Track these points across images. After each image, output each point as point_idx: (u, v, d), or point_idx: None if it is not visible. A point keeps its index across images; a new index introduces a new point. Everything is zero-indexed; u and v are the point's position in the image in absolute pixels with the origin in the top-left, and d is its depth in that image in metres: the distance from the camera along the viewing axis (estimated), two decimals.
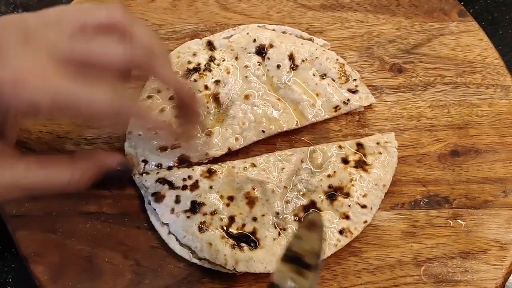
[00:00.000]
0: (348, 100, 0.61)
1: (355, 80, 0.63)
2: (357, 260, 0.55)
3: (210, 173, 0.57)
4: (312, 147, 0.60)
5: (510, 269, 0.55)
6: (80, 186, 0.47)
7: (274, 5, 0.69)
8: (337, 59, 0.64)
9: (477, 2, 0.79)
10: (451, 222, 0.57)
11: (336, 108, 0.61)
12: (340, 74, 0.63)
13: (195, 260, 0.54)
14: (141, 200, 0.57)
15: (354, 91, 0.62)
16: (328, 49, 0.65)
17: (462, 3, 0.71)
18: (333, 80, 0.63)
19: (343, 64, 0.64)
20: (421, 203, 0.58)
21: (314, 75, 0.63)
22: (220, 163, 0.58)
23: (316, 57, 0.64)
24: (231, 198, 0.57)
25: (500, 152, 0.61)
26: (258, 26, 0.66)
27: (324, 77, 0.63)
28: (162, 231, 0.56)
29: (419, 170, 0.60)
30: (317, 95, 0.62)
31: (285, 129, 0.60)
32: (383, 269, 0.55)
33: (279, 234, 0.55)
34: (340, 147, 0.60)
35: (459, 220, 0.57)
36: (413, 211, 0.58)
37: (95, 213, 0.57)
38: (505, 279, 0.55)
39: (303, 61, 0.63)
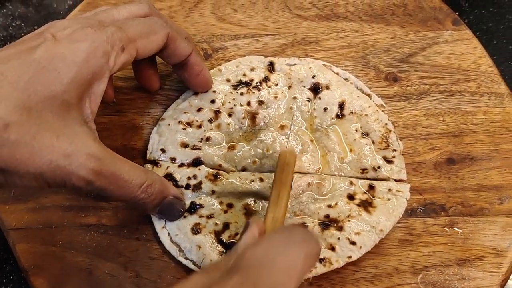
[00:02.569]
0: (379, 167, 0.59)
1: (394, 150, 0.60)
2: (355, 269, 0.56)
3: (215, 178, 0.58)
4: (324, 175, 0.59)
5: (507, 275, 0.56)
6: (147, 198, 0.48)
7: (269, 16, 0.70)
8: (385, 124, 0.62)
9: (472, 12, 0.80)
10: (447, 229, 0.58)
11: (363, 170, 0.59)
12: (382, 139, 0.61)
13: (181, 259, 0.55)
14: (139, 211, 0.58)
15: (389, 161, 0.60)
16: (383, 111, 0.63)
17: (457, 13, 0.71)
18: (373, 143, 0.61)
19: (390, 131, 0.61)
20: (418, 211, 0.59)
21: (356, 130, 0.61)
22: (226, 171, 0.59)
23: (366, 114, 0.62)
24: (230, 206, 0.57)
25: (495, 159, 0.62)
26: (324, 65, 0.65)
27: (365, 136, 0.61)
28: (158, 224, 0.56)
29: (415, 179, 0.60)
30: (350, 150, 0.60)
31: (303, 171, 0.59)
32: (381, 277, 0.55)
33: None
34: (351, 183, 0.58)
35: (455, 228, 0.58)
36: (409, 219, 0.58)
37: (95, 225, 0.57)
38: (502, 286, 0.56)
39: (351, 113, 0.62)
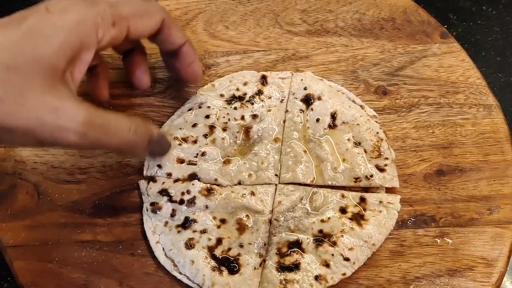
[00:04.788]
0: (372, 176, 0.60)
1: (386, 159, 0.61)
2: (347, 281, 0.56)
3: (209, 192, 0.59)
4: (316, 188, 0.60)
5: (497, 285, 0.57)
6: (137, 139, 0.50)
7: (261, 32, 0.71)
8: (377, 132, 0.63)
9: (460, 25, 0.81)
10: (438, 240, 0.59)
11: (356, 179, 0.60)
12: (374, 148, 0.62)
13: (175, 274, 0.56)
14: (134, 227, 0.59)
15: (381, 169, 0.61)
16: (376, 121, 0.64)
17: (445, 26, 0.72)
18: (365, 151, 0.62)
19: (382, 140, 0.62)
20: (408, 222, 0.60)
21: (348, 140, 0.62)
22: (221, 185, 0.60)
23: (358, 124, 0.63)
24: (223, 221, 0.58)
25: (484, 170, 0.62)
26: (320, 79, 0.66)
27: (358, 146, 0.62)
28: (152, 239, 0.57)
29: (405, 190, 0.61)
30: (343, 160, 0.61)
31: (298, 181, 0.60)
32: None
33: (260, 264, 0.56)
34: (343, 196, 0.59)
35: (445, 239, 0.59)
36: (400, 230, 0.59)
37: (90, 242, 0.58)
38: None
39: (343, 123, 0.63)
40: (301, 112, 0.64)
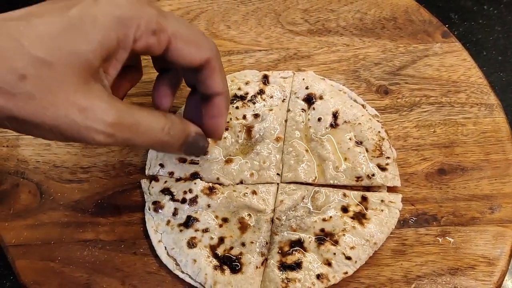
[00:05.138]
0: (373, 175, 0.60)
1: (388, 158, 0.61)
2: (349, 280, 0.56)
3: (211, 191, 0.59)
4: (317, 188, 0.60)
5: (498, 284, 0.57)
6: (170, 139, 0.49)
7: (262, 32, 0.71)
8: (378, 132, 0.63)
9: (462, 24, 0.82)
10: (439, 239, 0.59)
11: (358, 178, 0.60)
12: (376, 147, 0.62)
13: (178, 273, 0.56)
14: (136, 226, 0.59)
15: (383, 168, 0.61)
16: (378, 120, 0.64)
17: (446, 25, 0.72)
18: (367, 151, 0.62)
19: (383, 139, 0.62)
20: (410, 221, 0.60)
21: (350, 139, 0.62)
22: (223, 185, 0.60)
23: (359, 123, 0.63)
24: (225, 220, 0.58)
25: (486, 169, 0.63)
26: (321, 79, 0.67)
27: (359, 145, 0.62)
28: (154, 238, 0.57)
29: (407, 189, 0.61)
30: (345, 159, 0.61)
31: (300, 181, 0.60)
32: (375, 287, 0.56)
33: (262, 263, 0.56)
34: (344, 195, 0.59)
35: (447, 237, 0.59)
36: (402, 229, 0.59)
37: (92, 241, 0.58)
38: None
39: (345, 122, 0.63)
40: (303, 112, 0.64)
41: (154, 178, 0.60)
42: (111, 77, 0.46)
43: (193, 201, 0.58)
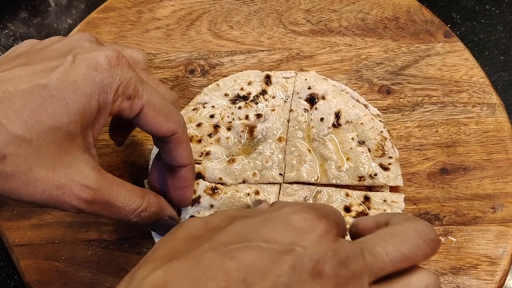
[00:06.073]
0: (376, 174, 0.60)
1: (390, 157, 0.61)
2: None
3: (213, 191, 0.59)
4: (320, 187, 0.60)
5: (501, 283, 0.57)
6: (139, 221, 0.48)
7: (265, 32, 0.72)
8: (381, 132, 0.63)
9: (464, 24, 0.82)
10: (442, 239, 0.59)
11: (360, 178, 0.60)
12: (378, 146, 0.62)
13: None
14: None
15: (385, 168, 0.61)
16: (381, 120, 0.64)
17: (448, 25, 0.73)
18: (369, 150, 0.62)
19: (385, 138, 0.62)
20: None
21: (352, 139, 0.62)
22: (226, 184, 0.60)
23: (362, 123, 0.63)
24: None
25: (488, 169, 0.63)
26: (324, 79, 0.67)
27: (362, 145, 0.62)
28: (157, 238, 0.57)
29: (409, 189, 0.62)
30: (347, 159, 0.61)
31: (303, 180, 0.61)
32: None
33: None
34: (347, 195, 0.60)
35: (449, 237, 0.59)
36: None
37: (96, 240, 0.58)
38: None
39: (347, 122, 0.63)
40: (305, 112, 0.64)
41: None
42: (95, 140, 0.46)
43: (196, 201, 0.58)
